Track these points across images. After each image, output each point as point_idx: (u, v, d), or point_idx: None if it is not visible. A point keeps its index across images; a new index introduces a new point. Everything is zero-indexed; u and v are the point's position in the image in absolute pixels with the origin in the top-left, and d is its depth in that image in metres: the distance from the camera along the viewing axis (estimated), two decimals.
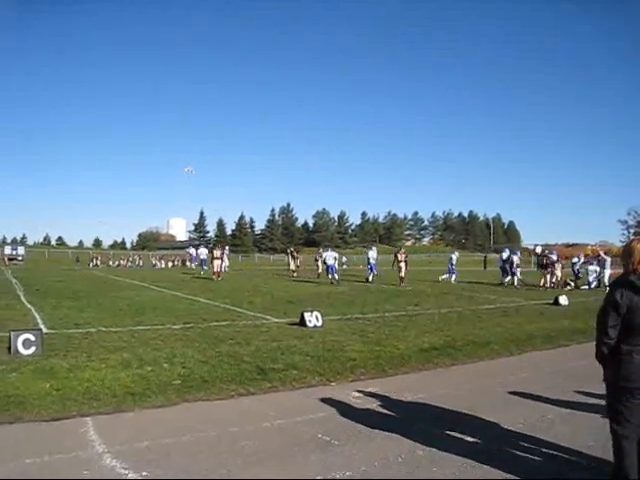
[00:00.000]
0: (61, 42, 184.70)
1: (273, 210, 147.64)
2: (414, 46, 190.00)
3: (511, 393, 6.47)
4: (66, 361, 7.47)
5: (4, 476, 3.93)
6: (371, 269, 27.75)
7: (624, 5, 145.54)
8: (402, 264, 26.33)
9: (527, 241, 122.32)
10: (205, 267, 34.43)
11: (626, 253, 3.59)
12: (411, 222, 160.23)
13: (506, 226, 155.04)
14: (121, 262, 64.12)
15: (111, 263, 62.05)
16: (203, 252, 37.08)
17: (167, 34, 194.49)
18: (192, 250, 48.05)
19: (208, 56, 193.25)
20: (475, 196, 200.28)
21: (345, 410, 5.66)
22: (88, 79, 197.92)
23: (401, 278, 25.88)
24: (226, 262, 35.67)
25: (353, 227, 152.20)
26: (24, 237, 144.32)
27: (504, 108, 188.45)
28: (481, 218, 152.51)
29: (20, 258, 61.07)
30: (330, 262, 26.46)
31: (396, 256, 27.27)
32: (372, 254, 27.81)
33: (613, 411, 3.52)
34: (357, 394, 6.31)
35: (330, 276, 26.29)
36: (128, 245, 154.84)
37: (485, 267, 48.81)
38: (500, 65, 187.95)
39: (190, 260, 46.57)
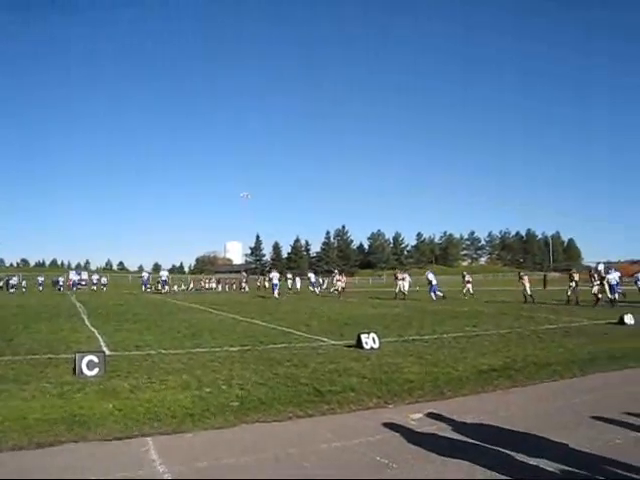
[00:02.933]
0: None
1: (328, 233, 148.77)
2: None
3: (575, 416, 6.22)
4: (127, 382, 7.65)
5: None
6: (433, 290, 30.36)
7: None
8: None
9: (588, 259, 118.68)
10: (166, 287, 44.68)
11: None
12: (467, 242, 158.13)
13: (566, 244, 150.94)
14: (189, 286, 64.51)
15: (176, 288, 61.49)
16: (164, 274, 46.31)
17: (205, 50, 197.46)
18: (145, 274, 53.92)
19: (254, 80, 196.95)
20: (533, 214, 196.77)
21: (403, 432, 5.56)
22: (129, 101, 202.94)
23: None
24: (343, 283, 38.77)
25: (409, 248, 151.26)
26: (87, 262, 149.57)
27: (556, 124, 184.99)
28: (539, 236, 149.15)
29: (84, 283, 63.22)
30: (275, 282, 36.09)
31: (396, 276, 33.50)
32: (431, 276, 31.30)
33: None
34: (415, 416, 6.20)
35: (275, 292, 35.17)
36: (186, 269, 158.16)
37: (545, 286, 47.31)
38: (554, 82, 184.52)
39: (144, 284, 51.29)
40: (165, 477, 4.36)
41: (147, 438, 5.31)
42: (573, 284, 25.36)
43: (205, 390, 7.26)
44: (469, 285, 33.28)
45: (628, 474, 4.41)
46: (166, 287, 44.91)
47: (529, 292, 27.14)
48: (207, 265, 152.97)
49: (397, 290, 32.11)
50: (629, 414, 6.19)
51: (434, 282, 30.54)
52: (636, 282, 28.88)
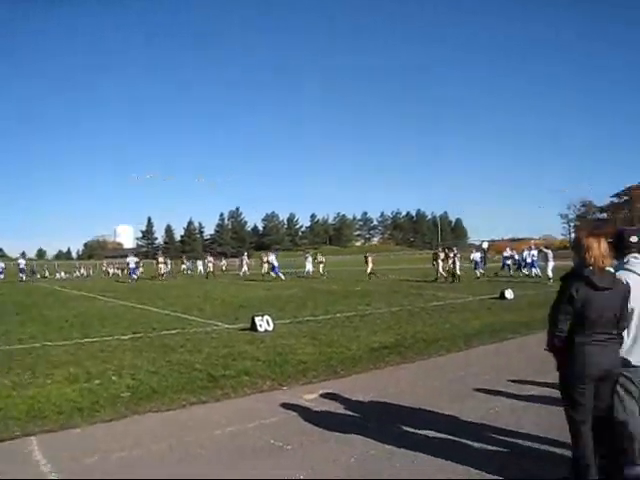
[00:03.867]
0: None
1: (222, 215, 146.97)
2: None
3: (461, 388, 6.62)
4: (8, 379, 7.23)
5: None
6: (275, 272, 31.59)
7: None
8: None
9: (473, 238, 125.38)
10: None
11: (578, 248, 3.65)
12: (360, 222, 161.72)
13: (453, 224, 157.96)
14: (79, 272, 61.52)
15: (64, 274, 58.82)
16: (22, 262, 46.12)
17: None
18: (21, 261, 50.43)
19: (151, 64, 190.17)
20: (423, 195, 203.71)
21: (297, 414, 5.68)
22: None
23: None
24: (245, 268, 40.31)
25: (303, 229, 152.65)
26: None
27: (444, 108, 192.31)
28: (429, 216, 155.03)
29: None
30: (132, 266, 36.37)
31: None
32: (273, 257, 33.02)
33: (568, 398, 3.64)
34: (309, 397, 6.34)
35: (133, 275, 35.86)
36: (74, 255, 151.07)
37: (434, 264, 49.33)
38: (447, 66, 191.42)
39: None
40: (51, 477, 4.19)
41: (31, 437, 5.06)
42: (440, 262, 27.15)
43: (94, 382, 7.03)
44: (321, 265, 35.78)
45: (503, 438, 4.81)
46: (22, 275, 43.54)
47: (370, 271, 30.29)
48: (97, 250, 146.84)
49: (264, 271, 33.84)
50: (508, 382, 6.70)
51: (276, 264, 31.97)
52: (504, 259, 33.73)
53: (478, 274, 28.82)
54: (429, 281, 26.55)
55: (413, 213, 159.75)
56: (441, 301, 16.76)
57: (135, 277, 35.74)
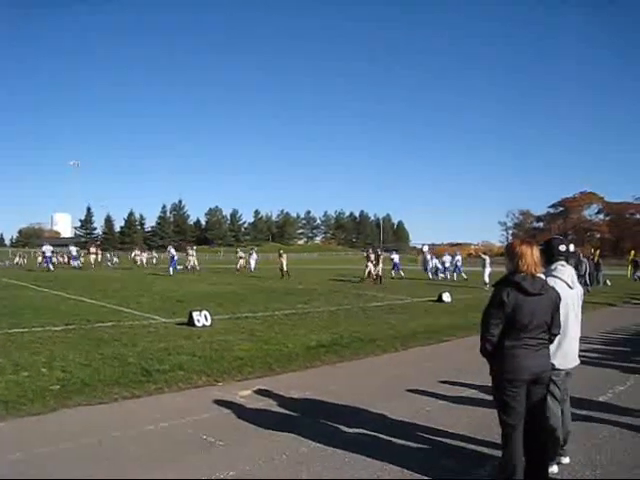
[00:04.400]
0: None
1: (164, 207, 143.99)
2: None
3: (395, 388, 6.75)
4: None
5: None
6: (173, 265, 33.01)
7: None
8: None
9: (415, 241, 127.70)
10: None
11: (512, 255, 3.74)
12: (304, 221, 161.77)
13: (395, 226, 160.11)
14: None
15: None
16: None
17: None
18: None
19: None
20: (366, 196, 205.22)
21: (231, 410, 5.67)
22: None
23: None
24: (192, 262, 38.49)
25: (246, 225, 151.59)
26: None
27: (389, 110, 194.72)
28: (372, 218, 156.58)
29: None
30: (48, 254, 36.76)
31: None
32: (172, 250, 34.57)
33: (500, 402, 3.71)
34: (244, 393, 6.34)
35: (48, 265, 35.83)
36: (7, 242, 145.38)
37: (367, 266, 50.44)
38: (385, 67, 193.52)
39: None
40: None
41: None
42: (369, 264, 27.83)
43: (22, 374, 6.80)
44: (241, 260, 37.76)
45: (433, 437, 4.94)
46: None
47: (285, 269, 30.96)
48: (32, 238, 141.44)
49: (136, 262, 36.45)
50: (441, 383, 6.91)
51: (176, 258, 33.19)
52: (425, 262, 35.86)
53: (393, 275, 31.87)
54: (370, 282, 26.81)
55: (356, 214, 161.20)
56: (380, 302, 17.02)
57: (51, 267, 35.77)
